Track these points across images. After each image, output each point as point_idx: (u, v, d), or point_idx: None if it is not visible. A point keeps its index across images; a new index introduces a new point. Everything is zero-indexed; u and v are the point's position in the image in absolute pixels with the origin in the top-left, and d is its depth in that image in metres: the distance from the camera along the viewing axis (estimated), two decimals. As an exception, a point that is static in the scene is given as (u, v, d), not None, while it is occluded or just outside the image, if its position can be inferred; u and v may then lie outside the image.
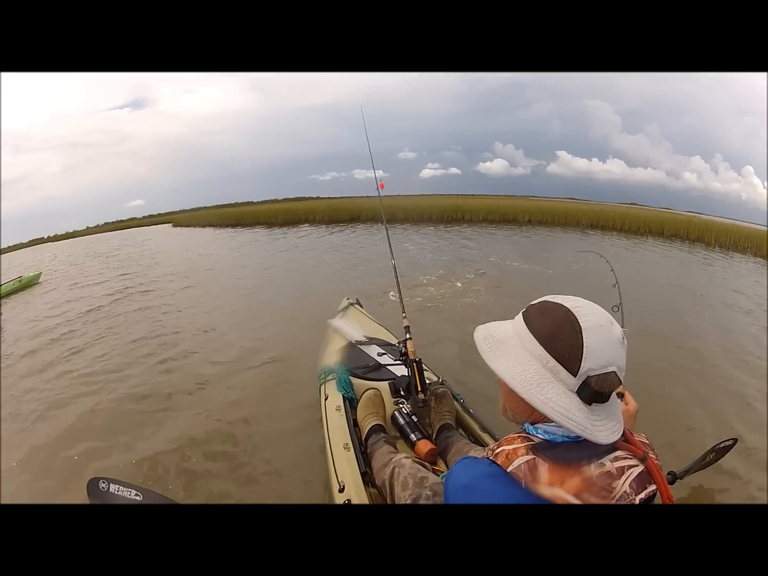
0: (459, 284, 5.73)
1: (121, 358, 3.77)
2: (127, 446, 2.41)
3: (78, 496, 1.47)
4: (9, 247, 21.77)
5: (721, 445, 1.94)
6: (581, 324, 0.63)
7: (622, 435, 0.66)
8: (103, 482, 1.27)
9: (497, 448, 0.68)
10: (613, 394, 0.66)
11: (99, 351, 4.01)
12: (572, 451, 0.63)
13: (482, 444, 1.67)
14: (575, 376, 0.62)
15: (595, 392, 0.62)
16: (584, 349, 0.61)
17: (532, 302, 0.70)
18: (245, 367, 3.38)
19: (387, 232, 2.61)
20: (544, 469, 0.62)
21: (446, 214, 14.27)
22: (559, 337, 0.63)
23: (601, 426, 0.63)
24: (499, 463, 0.66)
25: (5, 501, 1.97)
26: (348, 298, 3.25)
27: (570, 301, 0.66)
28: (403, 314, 2.13)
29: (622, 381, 0.64)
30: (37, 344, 4.42)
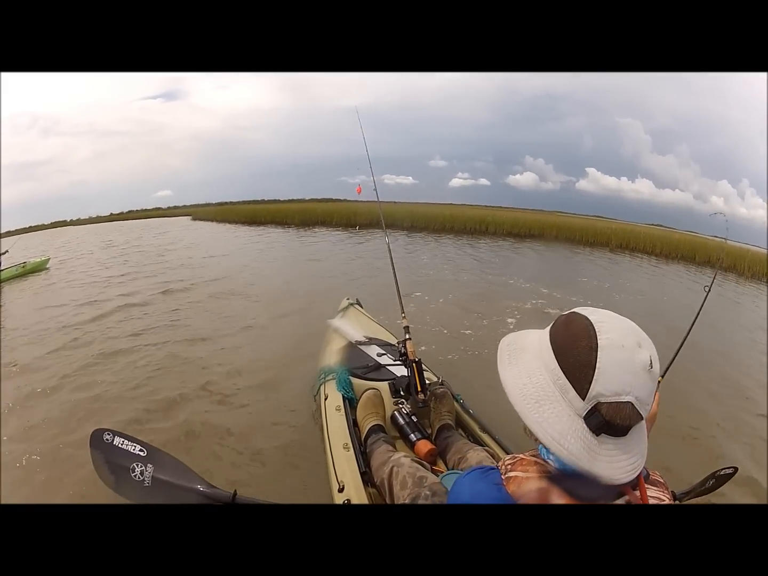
0: (480, 320, 4.49)
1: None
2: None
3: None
4: (31, 227, 21.58)
5: (721, 473, 1.92)
6: (599, 340, 0.55)
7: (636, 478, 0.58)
8: (108, 434, 1.25)
9: (511, 469, 0.62)
10: (640, 428, 0.58)
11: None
12: (590, 486, 0.56)
13: (482, 444, 1.67)
14: (583, 399, 0.55)
15: (605, 422, 0.55)
16: (596, 370, 0.54)
17: (564, 312, 0.63)
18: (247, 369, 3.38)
19: (387, 238, 2.66)
20: (560, 502, 0.56)
21: (469, 225, 13.54)
22: (573, 353, 0.57)
23: (607, 459, 0.55)
24: (510, 489, 0.60)
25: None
26: (348, 298, 3.25)
27: (597, 314, 0.59)
28: (402, 314, 2.13)
29: (644, 415, 0.55)
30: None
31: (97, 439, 1.26)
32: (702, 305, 1.79)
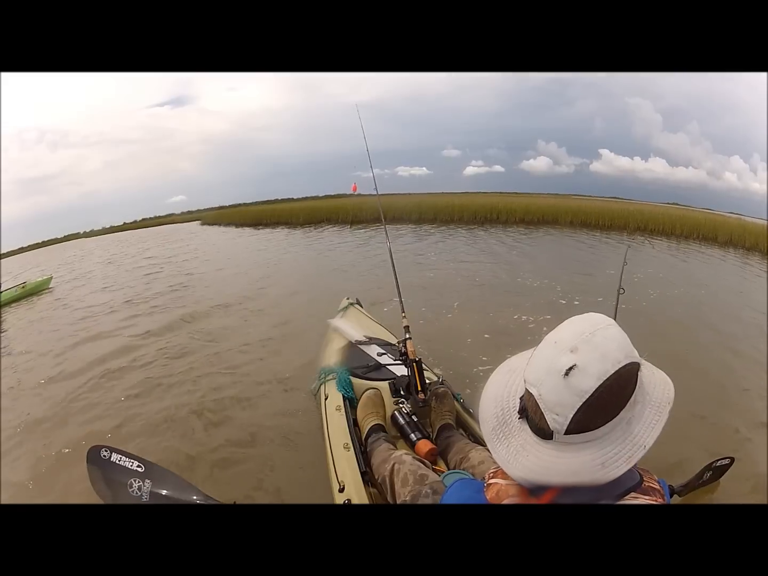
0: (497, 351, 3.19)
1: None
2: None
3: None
4: (43, 241, 21.27)
5: (717, 464, 1.89)
6: (548, 335, 0.58)
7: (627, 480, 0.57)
8: (105, 450, 1.26)
9: (492, 477, 0.63)
10: (576, 449, 0.54)
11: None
12: (569, 494, 0.56)
13: (483, 443, 1.67)
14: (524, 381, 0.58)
15: (523, 406, 0.57)
16: (531, 357, 0.58)
17: None
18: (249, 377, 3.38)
19: (386, 236, 2.65)
20: None
21: (480, 214, 12.81)
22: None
23: (516, 446, 0.57)
24: (489, 497, 0.61)
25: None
26: (348, 298, 3.25)
27: (581, 316, 0.59)
28: (403, 314, 2.13)
29: (549, 423, 0.53)
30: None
31: (94, 455, 1.26)
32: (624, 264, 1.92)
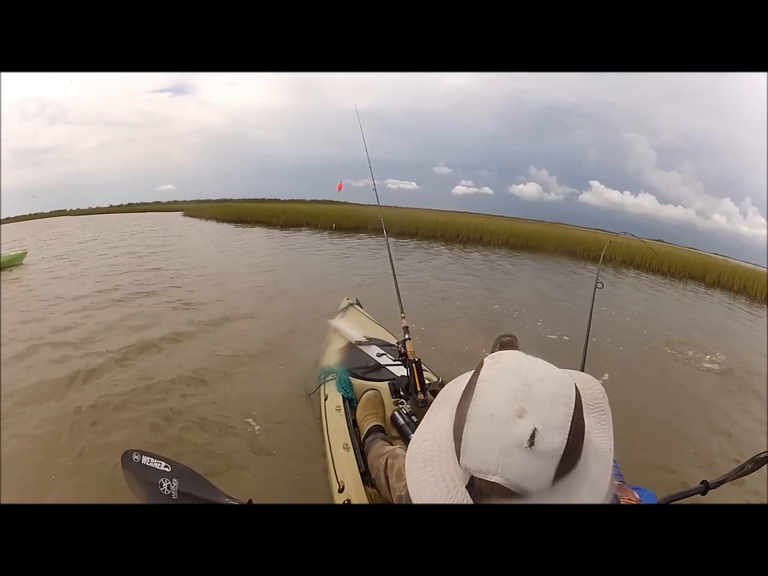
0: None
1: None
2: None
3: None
4: (30, 214, 21.30)
5: (762, 455, 1.88)
6: (470, 407, 0.49)
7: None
8: (136, 454, 1.34)
9: None
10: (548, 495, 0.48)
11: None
12: None
13: None
14: (461, 468, 0.50)
15: (483, 495, 0.49)
16: (462, 442, 0.49)
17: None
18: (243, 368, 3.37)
19: (387, 245, 2.63)
20: None
21: (462, 233, 12.88)
22: (458, 415, 0.51)
23: None
24: None
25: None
26: (348, 298, 3.25)
27: (493, 368, 0.51)
28: (402, 314, 2.13)
29: (531, 490, 0.47)
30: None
31: (127, 459, 1.35)
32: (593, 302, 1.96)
